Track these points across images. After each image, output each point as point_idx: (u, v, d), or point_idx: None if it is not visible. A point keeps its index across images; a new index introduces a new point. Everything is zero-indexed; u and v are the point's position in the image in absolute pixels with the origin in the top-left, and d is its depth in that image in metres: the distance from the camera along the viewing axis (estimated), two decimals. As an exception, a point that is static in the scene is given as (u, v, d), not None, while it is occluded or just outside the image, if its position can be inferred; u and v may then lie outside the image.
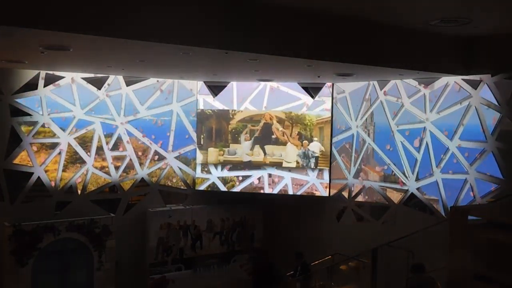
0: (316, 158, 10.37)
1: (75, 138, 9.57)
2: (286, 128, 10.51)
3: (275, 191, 10.70)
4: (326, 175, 10.38)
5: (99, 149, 9.88)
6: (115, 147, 10.07)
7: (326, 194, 10.41)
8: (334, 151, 10.34)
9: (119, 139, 10.11)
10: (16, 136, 8.97)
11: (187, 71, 9.06)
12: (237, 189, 10.83)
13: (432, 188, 8.57)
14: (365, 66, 7.06)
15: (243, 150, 10.69)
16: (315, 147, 10.41)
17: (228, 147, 10.73)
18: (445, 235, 5.92)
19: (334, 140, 10.32)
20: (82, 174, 9.71)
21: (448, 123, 8.28)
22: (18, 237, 8.69)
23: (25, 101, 9.00)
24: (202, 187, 10.96)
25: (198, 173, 10.94)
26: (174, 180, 10.93)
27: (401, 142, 9.09)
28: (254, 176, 10.74)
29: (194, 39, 5.37)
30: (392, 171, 9.26)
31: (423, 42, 6.97)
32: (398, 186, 9.15)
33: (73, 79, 9.43)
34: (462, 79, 7.97)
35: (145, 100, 10.32)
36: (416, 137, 8.81)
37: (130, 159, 10.26)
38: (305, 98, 10.37)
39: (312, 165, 10.37)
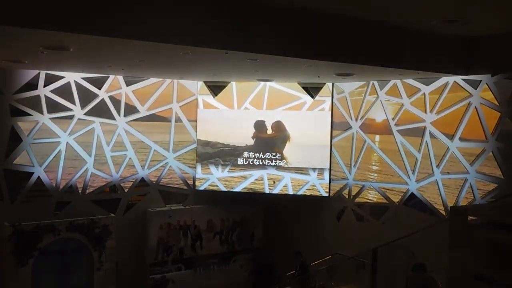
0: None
1: (75, 138, 9.57)
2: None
3: (275, 191, 10.70)
4: (326, 175, 10.38)
5: (99, 149, 9.87)
6: (115, 147, 10.07)
7: (326, 194, 10.40)
8: (334, 151, 10.34)
9: (119, 138, 10.11)
10: (16, 136, 8.96)
11: (187, 71, 9.05)
12: (238, 189, 10.84)
13: (432, 188, 8.57)
14: (365, 66, 7.06)
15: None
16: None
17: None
18: (445, 235, 5.91)
19: (334, 141, 10.32)
20: (82, 174, 9.71)
21: (448, 123, 8.28)
22: (18, 237, 8.69)
23: (25, 101, 9.00)
24: (202, 187, 10.96)
25: (198, 173, 10.94)
26: (174, 180, 10.92)
27: (400, 142, 9.08)
28: (254, 176, 10.75)
29: (194, 39, 5.37)
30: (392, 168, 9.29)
31: (423, 42, 6.96)
32: (398, 185, 9.15)
33: (73, 79, 9.42)
34: (462, 79, 7.97)
35: (145, 100, 10.32)
36: (416, 137, 8.81)
37: (130, 159, 10.26)
38: (305, 97, 10.38)
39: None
